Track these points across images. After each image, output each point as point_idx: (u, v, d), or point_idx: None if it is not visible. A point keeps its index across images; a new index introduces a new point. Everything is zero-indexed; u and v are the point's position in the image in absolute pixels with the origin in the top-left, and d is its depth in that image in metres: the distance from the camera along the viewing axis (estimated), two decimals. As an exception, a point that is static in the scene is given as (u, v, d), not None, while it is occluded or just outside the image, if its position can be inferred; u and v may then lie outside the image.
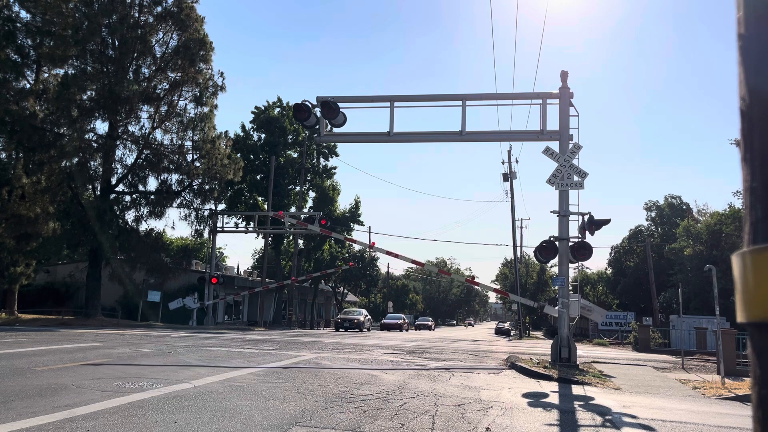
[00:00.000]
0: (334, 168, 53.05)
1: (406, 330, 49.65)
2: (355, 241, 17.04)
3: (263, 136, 48.59)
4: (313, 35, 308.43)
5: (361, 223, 57.78)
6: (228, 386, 8.26)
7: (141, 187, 33.81)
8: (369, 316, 41.31)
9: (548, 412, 7.70)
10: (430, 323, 62.17)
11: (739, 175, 1.21)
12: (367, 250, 68.11)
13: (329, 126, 16.57)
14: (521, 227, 79.81)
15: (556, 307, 15.02)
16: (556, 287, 15.35)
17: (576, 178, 14.56)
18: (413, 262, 17.75)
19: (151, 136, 33.31)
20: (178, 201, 34.32)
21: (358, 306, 74.93)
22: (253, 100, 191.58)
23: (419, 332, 49.25)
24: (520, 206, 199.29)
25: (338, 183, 53.48)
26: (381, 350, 17.88)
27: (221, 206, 40.95)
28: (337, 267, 52.19)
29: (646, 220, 61.00)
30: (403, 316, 53.59)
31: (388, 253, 17.58)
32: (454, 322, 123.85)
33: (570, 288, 15.23)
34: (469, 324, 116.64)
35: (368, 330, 39.34)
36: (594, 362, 16.64)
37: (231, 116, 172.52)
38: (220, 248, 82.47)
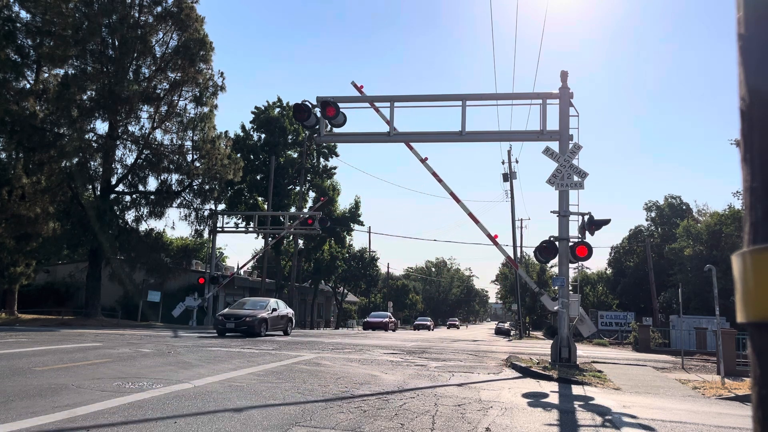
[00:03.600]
0: (334, 168, 53.13)
1: (393, 330, 45.97)
2: (411, 149, 16.44)
3: (263, 136, 48.62)
4: (314, 35, 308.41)
5: (361, 223, 57.86)
6: (228, 386, 8.26)
7: (141, 187, 33.82)
8: (288, 311, 25.70)
9: (548, 412, 7.70)
10: (429, 323, 61.67)
11: (739, 175, 1.21)
12: (368, 253, 68.18)
13: (329, 126, 16.57)
14: (521, 227, 79.68)
15: (556, 307, 15.02)
16: (556, 287, 15.35)
17: (576, 178, 14.56)
18: (452, 195, 17.36)
19: (151, 136, 33.31)
20: (178, 201, 34.32)
21: (359, 306, 74.20)
22: (253, 100, 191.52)
23: (418, 332, 48.92)
24: (520, 206, 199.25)
25: (338, 183, 53.56)
26: (381, 350, 17.88)
27: (221, 206, 40.95)
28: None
29: (646, 220, 61.10)
30: (389, 314, 49.94)
31: (434, 174, 17.21)
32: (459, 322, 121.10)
33: (570, 288, 15.23)
34: (453, 325, 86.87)
35: (286, 333, 24.98)
36: (594, 362, 16.64)
37: (231, 116, 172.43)
38: (220, 248, 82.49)
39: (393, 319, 48.01)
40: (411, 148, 16.71)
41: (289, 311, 26.00)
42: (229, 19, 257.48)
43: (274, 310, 24.02)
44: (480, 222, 17.18)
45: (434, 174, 17.05)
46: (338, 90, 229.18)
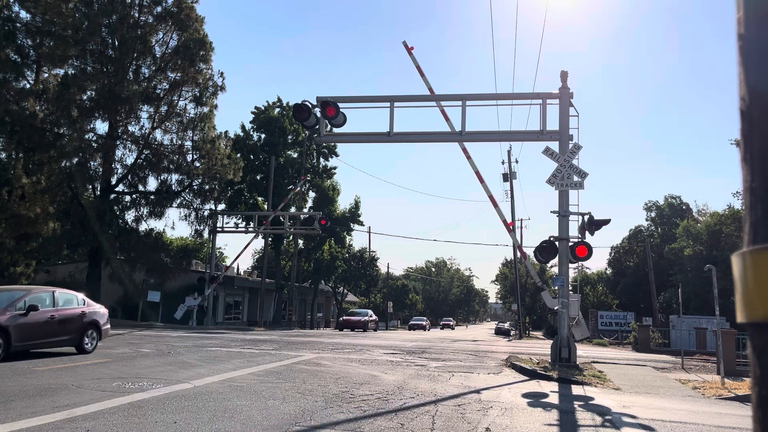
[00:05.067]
0: (334, 168, 53.14)
1: (374, 329, 41.34)
2: (446, 118, 16.20)
3: (263, 136, 48.63)
4: (314, 34, 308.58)
5: (361, 223, 57.90)
6: (228, 386, 8.25)
7: (141, 187, 33.82)
8: (86, 309, 13.99)
9: (548, 412, 7.70)
10: (424, 323, 60.16)
11: (739, 175, 1.21)
12: (368, 253, 68.16)
13: (329, 126, 16.57)
14: (521, 227, 79.60)
15: (556, 307, 15.02)
16: (556, 287, 15.35)
17: (576, 178, 14.56)
18: (478, 174, 17.34)
19: (151, 136, 33.32)
20: (178, 201, 34.33)
21: (360, 306, 74.15)
22: (253, 100, 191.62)
23: (413, 332, 47.98)
24: (520, 206, 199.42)
25: (338, 183, 53.55)
26: (381, 350, 17.88)
27: (221, 206, 40.96)
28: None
29: (646, 220, 61.09)
30: (370, 312, 44.60)
31: (464, 150, 17.10)
32: (455, 323, 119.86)
33: (570, 288, 15.23)
34: (447, 326, 79.89)
35: (81, 350, 13.56)
36: (594, 362, 16.64)
37: (231, 116, 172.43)
38: (220, 248, 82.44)
39: (374, 318, 42.76)
40: (446, 117, 16.63)
41: (93, 309, 14.43)
42: (229, 18, 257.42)
43: (33, 309, 12.04)
44: (499, 207, 17.59)
45: (464, 150, 17.22)
46: (338, 89, 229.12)
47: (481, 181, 17.17)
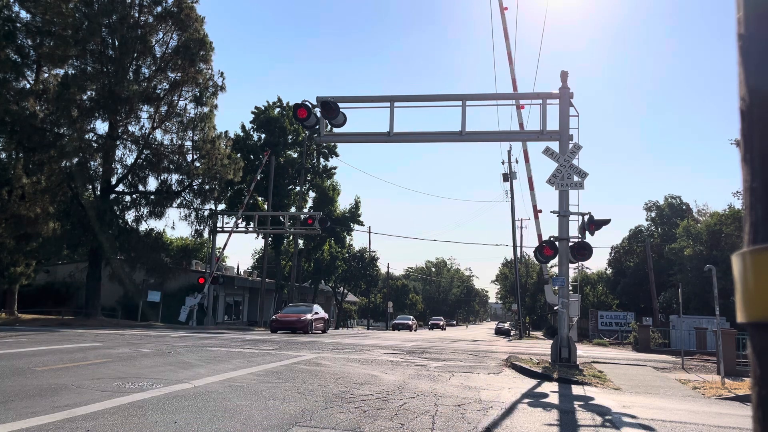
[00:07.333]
0: (334, 168, 53.18)
1: (323, 330, 31.86)
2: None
3: (263, 136, 48.64)
4: (314, 35, 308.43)
5: (361, 223, 57.94)
6: (228, 386, 8.25)
7: (141, 187, 33.84)
8: None
9: (548, 412, 7.70)
10: (410, 323, 57.13)
11: (739, 175, 1.21)
12: (368, 253, 68.11)
13: (329, 126, 16.57)
14: (521, 227, 79.57)
15: (556, 307, 15.03)
16: (556, 287, 15.36)
17: (576, 178, 14.56)
18: (525, 153, 17.76)
19: (151, 136, 33.33)
20: (178, 201, 34.36)
21: (359, 306, 73.98)
22: (253, 100, 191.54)
23: (399, 332, 45.55)
24: (520, 206, 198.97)
25: (338, 183, 53.60)
26: (381, 350, 17.88)
27: (221, 206, 40.97)
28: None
29: (646, 220, 61.08)
30: (316, 307, 33.22)
31: (520, 125, 17.56)
32: (454, 323, 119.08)
33: (570, 288, 15.24)
34: (436, 326, 72.10)
35: None
36: (594, 362, 16.64)
37: (231, 116, 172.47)
38: (219, 248, 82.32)
39: (322, 315, 32.69)
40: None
41: None
42: (229, 18, 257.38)
43: None
44: (534, 190, 18.38)
45: (520, 125, 17.58)
46: (338, 90, 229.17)
47: (527, 160, 17.82)
